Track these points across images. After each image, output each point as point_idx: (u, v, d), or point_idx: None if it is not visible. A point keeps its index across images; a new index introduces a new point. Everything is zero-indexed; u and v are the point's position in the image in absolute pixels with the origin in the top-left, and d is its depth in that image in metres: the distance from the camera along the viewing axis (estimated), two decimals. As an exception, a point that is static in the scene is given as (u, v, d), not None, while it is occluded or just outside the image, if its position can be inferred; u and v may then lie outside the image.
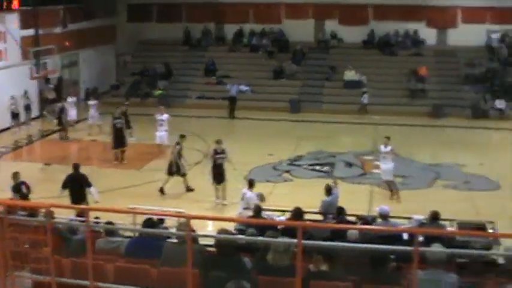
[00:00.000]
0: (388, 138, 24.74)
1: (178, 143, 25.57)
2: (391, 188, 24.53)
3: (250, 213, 17.29)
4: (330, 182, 20.63)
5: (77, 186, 21.25)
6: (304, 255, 8.52)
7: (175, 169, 25.21)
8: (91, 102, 34.20)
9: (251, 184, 20.61)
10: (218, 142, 24.10)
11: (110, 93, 45.93)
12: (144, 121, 34.08)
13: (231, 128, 36.18)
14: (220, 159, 23.73)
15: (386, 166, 24.49)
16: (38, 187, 26.13)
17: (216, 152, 23.82)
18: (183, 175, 25.40)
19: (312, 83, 43.80)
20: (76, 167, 22.03)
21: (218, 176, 23.77)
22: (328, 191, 19.13)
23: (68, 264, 10.32)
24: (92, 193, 21.25)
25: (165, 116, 30.91)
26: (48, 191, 24.83)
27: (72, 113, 33.36)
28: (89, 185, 21.39)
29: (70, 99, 33.40)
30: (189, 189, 25.29)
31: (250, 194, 20.03)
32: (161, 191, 24.92)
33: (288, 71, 44.40)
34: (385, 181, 24.81)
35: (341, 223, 15.84)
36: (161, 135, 30.63)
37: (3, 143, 33.23)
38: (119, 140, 29.52)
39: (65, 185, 21.49)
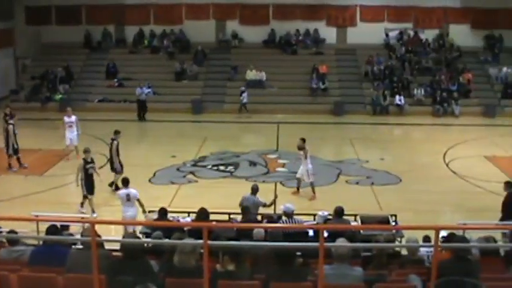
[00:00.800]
0: (303, 140, 24.54)
1: (113, 139, 25.48)
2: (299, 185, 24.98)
3: (155, 216, 17.25)
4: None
5: None
6: (211, 255, 8.59)
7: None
8: None
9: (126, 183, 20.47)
10: (86, 151, 23.22)
11: (9, 98, 45.00)
12: (45, 126, 33.54)
13: (134, 130, 35.87)
14: (91, 169, 22.81)
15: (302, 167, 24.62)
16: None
17: (86, 162, 22.85)
18: (116, 172, 25.23)
19: (214, 83, 43.88)
20: None
21: (91, 186, 22.72)
22: (254, 191, 19.26)
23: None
24: None
25: (74, 118, 30.48)
26: None
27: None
28: None
29: None
30: (116, 187, 24.62)
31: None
32: (112, 185, 25.12)
33: (189, 72, 44.36)
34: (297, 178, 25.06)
35: (247, 222, 15.97)
36: (71, 137, 30.18)
37: None
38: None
39: None
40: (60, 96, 42.22)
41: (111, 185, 25.26)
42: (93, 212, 22.25)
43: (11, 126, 28.04)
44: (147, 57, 46.60)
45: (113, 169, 25.47)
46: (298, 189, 24.94)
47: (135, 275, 8.64)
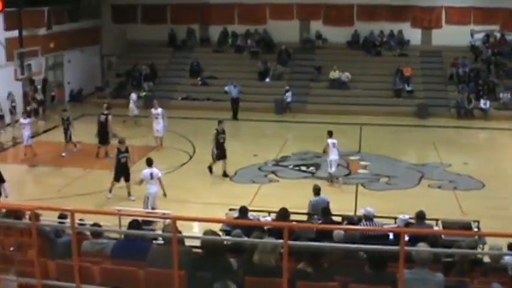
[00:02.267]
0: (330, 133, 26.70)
1: (216, 129, 27.36)
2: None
3: (236, 214, 17.31)
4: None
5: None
6: (291, 255, 8.54)
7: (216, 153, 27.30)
8: (24, 121, 31.49)
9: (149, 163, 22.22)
10: (121, 141, 25.04)
11: (95, 94, 45.86)
12: (128, 122, 34.00)
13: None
14: (124, 158, 24.45)
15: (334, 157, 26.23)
16: (23, 189, 26.14)
17: (119, 152, 24.54)
18: (214, 159, 27.36)
19: (297, 83, 43.77)
20: None
21: (122, 173, 24.45)
22: (316, 191, 19.17)
23: (53, 266, 10.27)
24: (5, 188, 21.85)
25: (160, 110, 32.20)
26: (33, 193, 24.90)
27: (25, 134, 31.66)
28: (3, 180, 21.99)
29: (24, 121, 31.66)
30: (210, 170, 27.50)
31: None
32: (210, 169, 27.51)
33: (273, 72, 44.36)
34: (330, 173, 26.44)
35: (327, 224, 15.88)
36: (158, 128, 31.88)
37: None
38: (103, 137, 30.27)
39: None
40: (144, 93, 42.74)
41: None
42: (128, 195, 24.45)
43: (110, 117, 30.46)
44: (231, 56, 46.80)
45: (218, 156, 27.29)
46: (331, 181, 26.30)
47: (214, 272, 8.64)
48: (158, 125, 32.00)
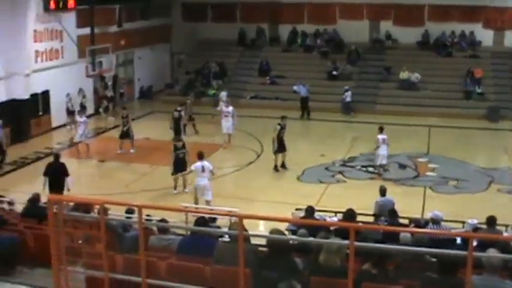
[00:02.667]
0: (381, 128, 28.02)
1: (279, 124, 28.14)
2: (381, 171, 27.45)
3: (302, 213, 17.27)
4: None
5: (56, 175, 21.82)
6: (356, 256, 8.48)
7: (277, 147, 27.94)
8: (80, 119, 31.81)
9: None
10: (176, 139, 26.69)
11: (164, 92, 46.29)
12: (198, 119, 34.23)
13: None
14: (182, 154, 25.09)
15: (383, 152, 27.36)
16: (92, 183, 26.54)
17: (176, 148, 25.35)
18: (275, 152, 27.94)
19: (366, 84, 43.53)
20: (57, 156, 23.22)
21: (179, 168, 24.95)
22: (382, 191, 19.04)
23: (120, 260, 10.40)
24: (68, 182, 22.05)
25: (231, 108, 32.91)
26: (102, 188, 25.26)
27: (79, 132, 32.07)
28: (67, 174, 22.30)
29: (81, 119, 31.66)
30: (276, 168, 28.03)
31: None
32: (276, 168, 27.98)
33: (343, 72, 44.16)
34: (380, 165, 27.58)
35: (393, 226, 15.71)
36: (228, 125, 32.48)
37: (59, 140, 33.69)
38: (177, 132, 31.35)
39: (46, 173, 22.16)
40: (213, 91, 42.99)
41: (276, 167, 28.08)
42: (183, 187, 25.26)
43: (182, 113, 32.04)
44: (300, 56, 46.73)
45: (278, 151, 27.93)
46: (379, 174, 27.42)
47: (279, 271, 8.63)
48: (228, 123, 32.48)
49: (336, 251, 9.20)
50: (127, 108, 33.50)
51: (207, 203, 22.48)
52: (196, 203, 22.52)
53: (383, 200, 18.75)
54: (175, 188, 25.10)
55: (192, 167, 23.05)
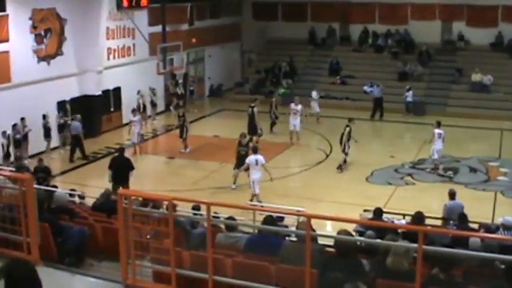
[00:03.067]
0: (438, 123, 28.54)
1: (347, 126, 28.52)
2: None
3: (370, 215, 17.18)
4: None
5: (120, 168, 22.09)
6: (424, 260, 8.39)
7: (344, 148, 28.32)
8: (134, 118, 32.17)
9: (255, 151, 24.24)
10: (242, 136, 26.69)
11: (234, 90, 46.52)
12: (266, 118, 34.30)
13: (354, 128, 35.72)
14: (243, 151, 25.72)
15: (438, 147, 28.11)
16: (161, 180, 26.81)
17: (240, 144, 26.18)
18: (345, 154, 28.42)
19: (437, 85, 43.01)
20: (121, 150, 23.81)
21: (239, 163, 25.55)
22: (452, 195, 18.80)
23: (187, 256, 10.47)
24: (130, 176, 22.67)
25: (300, 106, 33.55)
26: (171, 184, 25.49)
27: (135, 131, 31.82)
28: (132, 168, 22.90)
29: (134, 118, 32.10)
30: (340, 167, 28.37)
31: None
32: (340, 167, 28.32)
33: (413, 73, 43.74)
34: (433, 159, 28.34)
35: (463, 230, 15.48)
36: (295, 123, 33.09)
37: (129, 136, 34.11)
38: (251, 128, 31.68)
39: (110, 167, 22.58)
40: (283, 90, 43.04)
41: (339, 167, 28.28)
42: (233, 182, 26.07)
43: (256, 109, 32.26)
44: (371, 56, 46.46)
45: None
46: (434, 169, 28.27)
47: (346, 272, 8.58)
48: (295, 120, 33.02)
49: (403, 254, 9.12)
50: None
51: (255, 196, 23.61)
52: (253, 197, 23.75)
53: (451, 204, 18.49)
54: (234, 182, 25.82)
55: (247, 160, 23.96)
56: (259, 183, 23.69)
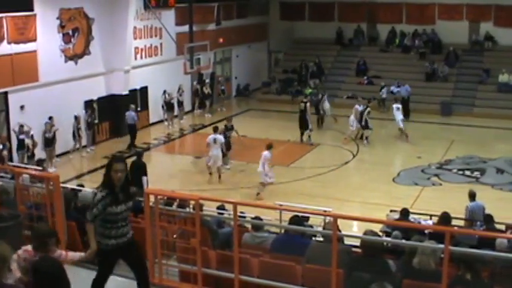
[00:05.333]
0: None
1: (367, 106, 32.90)
2: None
3: (397, 215, 17.14)
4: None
5: (138, 173, 22.19)
6: (450, 261, 8.37)
7: None
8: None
9: None
10: (228, 120, 29.98)
11: (261, 90, 46.54)
12: (294, 119, 34.25)
13: (380, 128, 35.58)
14: (228, 133, 28.67)
15: None
16: (187, 179, 26.85)
17: (226, 129, 28.81)
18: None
19: (464, 85, 42.74)
20: (139, 154, 23.83)
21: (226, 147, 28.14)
22: (472, 196, 18.69)
23: (214, 256, 10.51)
24: (144, 181, 22.41)
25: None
26: (197, 184, 25.56)
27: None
28: (145, 174, 22.77)
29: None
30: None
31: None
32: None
33: (440, 73, 43.53)
34: None
35: (490, 231, 15.39)
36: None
37: (156, 136, 34.25)
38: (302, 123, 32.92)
39: (130, 170, 22.71)
40: (310, 90, 42.97)
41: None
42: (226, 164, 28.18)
43: (308, 104, 33.02)
44: (398, 56, 46.24)
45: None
46: None
47: (372, 272, 8.58)
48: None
49: (430, 254, 9.09)
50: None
51: (218, 170, 26.66)
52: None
53: (473, 205, 18.38)
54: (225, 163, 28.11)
55: (207, 139, 26.87)
56: (219, 159, 26.46)
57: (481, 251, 9.70)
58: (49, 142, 28.33)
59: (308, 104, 32.85)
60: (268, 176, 24.36)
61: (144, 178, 22.71)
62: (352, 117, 32.78)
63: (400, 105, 34.36)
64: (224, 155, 27.62)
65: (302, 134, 32.70)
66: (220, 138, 26.52)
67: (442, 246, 8.37)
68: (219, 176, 26.72)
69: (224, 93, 43.00)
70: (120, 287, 9.85)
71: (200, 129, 35.85)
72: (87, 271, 9.92)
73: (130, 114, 32.40)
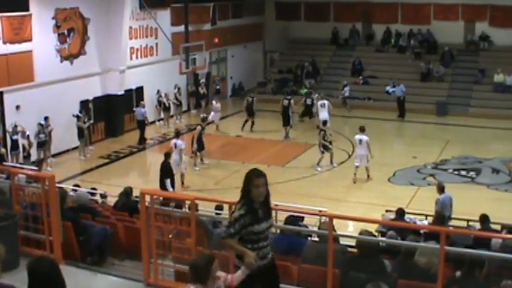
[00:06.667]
0: None
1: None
2: None
3: (392, 215, 17.16)
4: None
5: (164, 173, 22.37)
6: (446, 261, 8.38)
7: None
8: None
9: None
10: (203, 119, 29.38)
11: (256, 90, 46.53)
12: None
13: (376, 128, 35.58)
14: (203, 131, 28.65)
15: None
16: (184, 179, 26.79)
17: (202, 128, 28.63)
18: None
19: (460, 85, 42.77)
20: (166, 155, 24.15)
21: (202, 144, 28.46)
22: (441, 189, 18.92)
23: (209, 256, 10.49)
24: (167, 185, 23.29)
25: (327, 102, 34.81)
26: (193, 184, 25.58)
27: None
28: (167, 176, 23.48)
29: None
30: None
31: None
32: None
33: (436, 73, 43.55)
34: None
35: (485, 231, 15.40)
36: (323, 117, 32.78)
37: (151, 135, 34.21)
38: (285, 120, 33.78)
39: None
40: (305, 90, 42.93)
41: None
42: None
43: (292, 101, 33.89)
44: (393, 56, 46.25)
45: None
46: None
47: (368, 272, 8.59)
48: (323, 113, 33.51)
49: (426, 255, 9.11)
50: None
51: (181, 176, 25.89)
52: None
53: (443, 198, 18.65)
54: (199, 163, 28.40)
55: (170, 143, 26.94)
56: (177, 165, 25.44)
57: (477, 250, 9.71)
58: (42, 143, 28.13)
59: (292, 101, 33.64)
60: None
61: (167, 181, 22.99)
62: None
63: (326, 102, 34.82)
64: (200, 150, 28.45)
65: (287, 131, 33.47)
66: (181, 143, 25.99)
67: (437, 246, 8.38)
68: (182, 183, 25.87)
69: (219, 93, 42.92)
70: (118, 287, 9.86)
71: (195, 129, 35.82)
72: (83, 272, 9.93)
73: (140, 111, 33.24)
